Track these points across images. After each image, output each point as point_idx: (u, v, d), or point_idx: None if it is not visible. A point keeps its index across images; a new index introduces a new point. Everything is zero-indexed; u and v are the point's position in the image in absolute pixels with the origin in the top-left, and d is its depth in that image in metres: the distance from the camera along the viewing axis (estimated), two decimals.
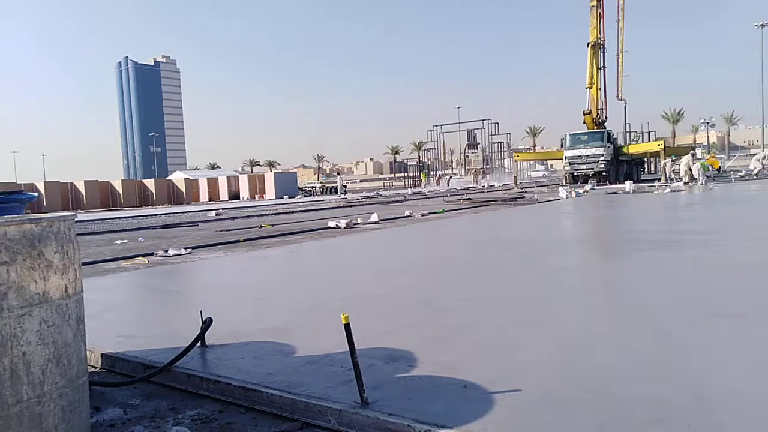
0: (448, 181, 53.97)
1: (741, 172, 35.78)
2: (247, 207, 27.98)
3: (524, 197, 22.52)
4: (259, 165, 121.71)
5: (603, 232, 10.46)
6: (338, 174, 55.04)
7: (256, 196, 44.35)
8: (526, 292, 4.85)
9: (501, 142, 60.44)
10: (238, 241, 10.71)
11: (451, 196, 28.59)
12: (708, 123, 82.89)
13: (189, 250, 9.45)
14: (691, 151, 29.25)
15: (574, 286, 5.22)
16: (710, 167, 28.77)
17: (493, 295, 4.80)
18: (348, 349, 2.49)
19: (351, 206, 24.03)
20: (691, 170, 24.43)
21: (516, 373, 2.75)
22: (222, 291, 5.79)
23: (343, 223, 12.81)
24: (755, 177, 25.31)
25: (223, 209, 25.55)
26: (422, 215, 15.48)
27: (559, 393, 2.48)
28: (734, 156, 65.59)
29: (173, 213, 25.09)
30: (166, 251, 9.16)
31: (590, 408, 2.31)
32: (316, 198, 39.36)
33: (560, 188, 24.39)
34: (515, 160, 40.71)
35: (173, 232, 14.10)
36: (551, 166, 71.34)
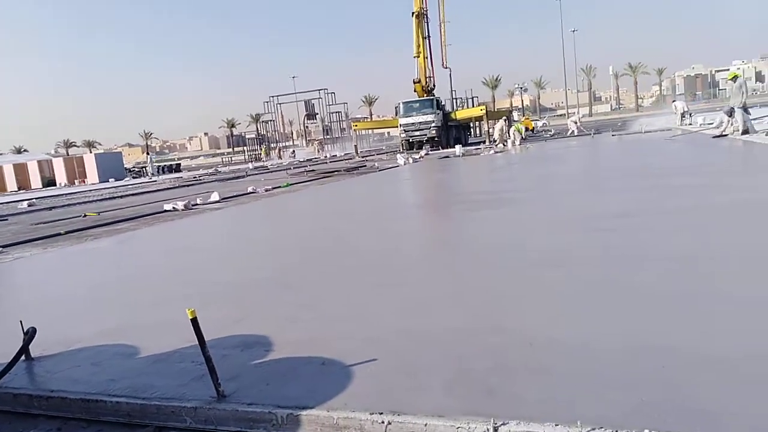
0: (293, 153, 53.29)
1: (551, 131, 40.14)
2: (66, 194, 25.08)
3: (366, 165, 23.08)
4: (75, 146, 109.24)
5: (439, 196, 11.14)
6: (147, 154, 51.05)
7: (76, 182, 39.86)
8: (372, 260, 5.01)
9: (339, 112, 60.97)
10: (60, 234, 9.59)
11: (294, 168, 28.33)
12: (521, 88, 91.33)
13: (0, 249, 8.26)
14: (504, 117, 32.02)
15: (411, 250, 5.50)
16: (525, 128, 31.91)
17: (339, 267, 4.88)
18: (198, 344, 2.38)
19: (188, 186, 22.72)
20: (507, 133, 26.94)
21: (370, 343, 2.84)
22: (44, 294, 5.17)
23: (180, 204, 12.07)
24: (575, 135, 28.55)
25: (36, 199, 22.63)
26: (266, 190, 15.15)
27: (411, 357, 2.62)
28: (544, 117, 73.40)
29: None
30: None
31: (439, 368, 2.47)
32: (147, 179, 36.54)
33: (398, 155, 25.39)
34: (354, 129, 41.39)
35: None
36: (388, 133, 73.73)
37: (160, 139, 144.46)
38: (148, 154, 49.89)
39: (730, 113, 14.94)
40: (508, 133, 26.98)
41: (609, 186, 8.62)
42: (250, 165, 41.99)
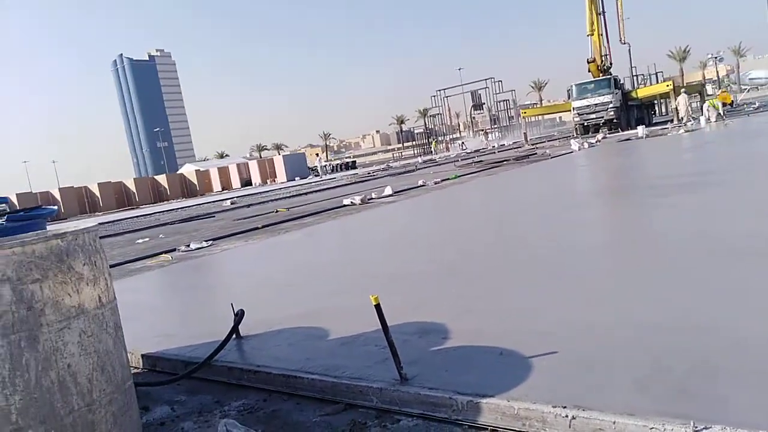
0: (461, 144, 53.43)
1: (755, 104, 34.95)
2: (260, 193, 28.10)
3: (536, 153, 22.30)
4: (266, 149, 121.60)
5: (617, 181, 10.35)
6: (317, 155, 54.37)
7: (268, 181, 44.48)
8: (546, 252, 4.84)
9: (507, 100, 59.65)
10: (257, 228, 10.79)
11: (462, 160, 28.40)
12: (716, 57, 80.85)
13: (210, 242, 9.54)
14: (682, 91, 28.45)
15: (592, 241, 5.19)
16: (723, 103, 28.15)
17: (511, 260, 4.80)
18: (381, 329, 2.52)
19: (363, 182, 24.01)
20: (691, 109, 24.11)
21: (549, 336, 2.76)
22: (248, 280, 5.86)
23: (357, 199, 12.83)
24: None
25: (237, 197, 25.68)
26: (435, 183, 15.43)
27: (597, 353, 2.49)
28: (746, 88, 64.03)
29: (189, 206, 25.30)
30: (188, 245, 9.27)
31: (628, 365, 2.32)
32: (327, 177, 39.37)
33: (571, 140, 24.08)
34: (523, 117, 40.19)
35: (192, 226, 14.24)
36: (560, 118, 70.27)
37: (337, 138, 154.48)
38: (317, 155, 53.75)
39: None
40: (701, 108, 24.05)
41: None
42: (419, 159, 43.04)
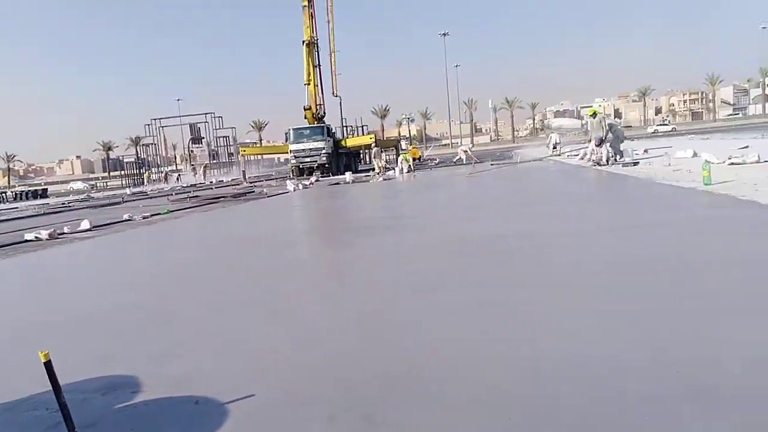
0: (178, 177, 50.81)
1: (436, 160, 41.87)
2: None
3: (254, 192, 22.57)
4: None
5: (327, 222, 11.14)
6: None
7: None
8: (254, 290, 4.86)
9: (227, 137, 59.42)
10: None
11: (176, 194, 26.99)
12: (409, 118, 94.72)
13: None
14: (374, 145, 32.86)
15: (298, 279, 5.43)
16: (413, 158, 33.05)
17: (219, 298, 4.69)
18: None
19: (56, 213, 20.84)
20: (382, 160, 28.11)
21: (248, 377, 2.73)
22: None
23: (44, 233, 11.01)
24: (462, 163, 29.88)
25: None
26: (144, 218, 14.27)
27: (295, 388, 2.55)
28: (430, 146, 76.49)
29: None
30: None
31: (328, 399, 2.42)
32: (8, 206, 33.06)
33: (288, 181, 25.14)
34: (242, 155, 40.48)
35: None
36: (279, 159, 72.84)
37: (24, 162, 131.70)
38: (24, 177, 45.26)
39: (600, 143, 16.45)
40: (395, 160, 27.77)
41: (489, 211, 9.12)
42: (127, 190, 39.46)
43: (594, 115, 16.91)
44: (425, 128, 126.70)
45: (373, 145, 34.55)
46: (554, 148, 27.05)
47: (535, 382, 2.40)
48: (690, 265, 4.29)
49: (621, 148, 16.97)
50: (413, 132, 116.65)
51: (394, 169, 27.55)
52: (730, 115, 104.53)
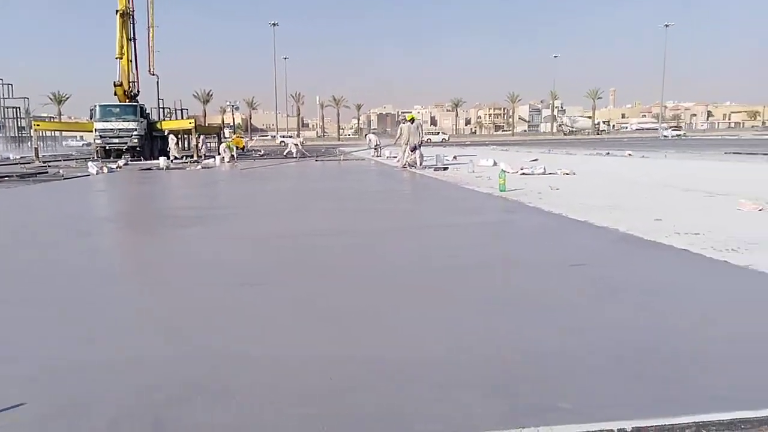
0: None
1: (261, 151, 41.00)
2: None
3: (47, 172, 19.90)
4: None
5: (133, 211, 10.25)
6: None
7: None
8: (40, 288, 4.29)
9: (17, 108, 51.56)
10: None
11: None
12: (233, 106, 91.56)
13: None
14: (170, 130, 31.38)
15: (102, 271, 4.92)
16: (236, 147, 31.95)
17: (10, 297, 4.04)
18: None
19: None
20: (208, 148, 26.96)
21: (24, 384, 2.38)
22: None
23: None
24: (293, 156, 29.37)
25: None
26: None
27: (72, 396, 2.28)
28: (255, 137, 74.75)
29: None
30: None
31: (115, 404, 2.21)
32: None
33: (90, 163, 22.62)
34: (35, 129, 35.47)
35: None
36: (81, 137, 65.24)
37: None
38: None
39: (414, 149, 17.49)
40: (218, 149, 26.62)
41: (302, 206, 9.17)
42: None
43: (412, 120, 17.95)
44: (251, 118, 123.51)
45: (196, 129, 32.72)
46: (375, 149, 28.19)
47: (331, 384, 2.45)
48: (472, 264, 4.75)
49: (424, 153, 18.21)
50: (238, 120, 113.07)
51: (214, 157, 26.39)
52: (525, 130, 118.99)
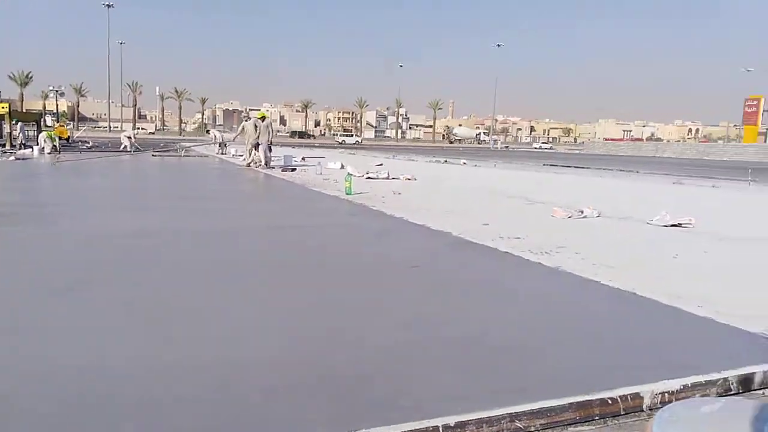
0: None
1: (89, 143, 37.19)
2: None
3: None
4: None
5: None
6: None
7: None
8: None
9: None
10: None
11: None
12: (58, 91, 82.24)
13: None
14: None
15: None
16: (59, 137, 28.57)
17: None
18: None
19: None
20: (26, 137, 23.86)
21: None
22: None
23: None
24: (128, 150, 26.77)
25: None
26: None
27: None
28: (84, 127, 67.63)
29: None
30: None
31: None
32: None
33: None
34: None
35: None
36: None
37: None
38: None
39: (258, 146, 17.08)
40: (38, 138, 23.63)
41: (134, 204, 8.50)
42: None
43: (263, 118, 17.56)
44: (78, 106, 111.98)
45: (11, 115, 28.70)
46: (220, 146, 27.12)
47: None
48: (313, 265, 4.78)
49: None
50: (63, 108, 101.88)
51: (32, 147, 23.43)
52: (376, 135, 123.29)
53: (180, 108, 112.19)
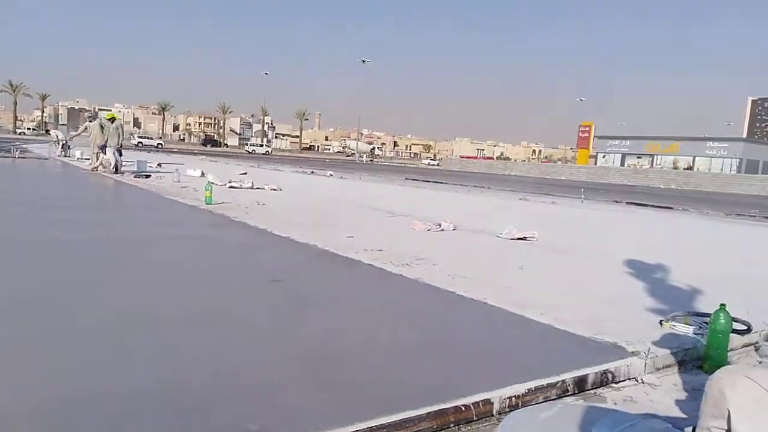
0: None
1: None
2: None
3: None
4: None
5: None
6: None
7: None
8: None
9: None
10: None
11: None
12: None
13: None
14: None
15: None
16: None
17: None
18: None
19: None
20: None
21: None
22: None
23: None
24: None
25: None
26: None
27: None
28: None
29: None
30: None
31: None
32: None
33: None
34: None
35: None
36: None
37: None
38: None
39: (103, 150, 15.73)
40: None
41: None
42: None
43: (113, 120, 16.22)
44: None
45: None
46: (63, 147, 24.61)
47: None
48: (167, 281, 4.50)
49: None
50: None
51: None
52: (240, 144, 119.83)
53: (15, 104, 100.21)
